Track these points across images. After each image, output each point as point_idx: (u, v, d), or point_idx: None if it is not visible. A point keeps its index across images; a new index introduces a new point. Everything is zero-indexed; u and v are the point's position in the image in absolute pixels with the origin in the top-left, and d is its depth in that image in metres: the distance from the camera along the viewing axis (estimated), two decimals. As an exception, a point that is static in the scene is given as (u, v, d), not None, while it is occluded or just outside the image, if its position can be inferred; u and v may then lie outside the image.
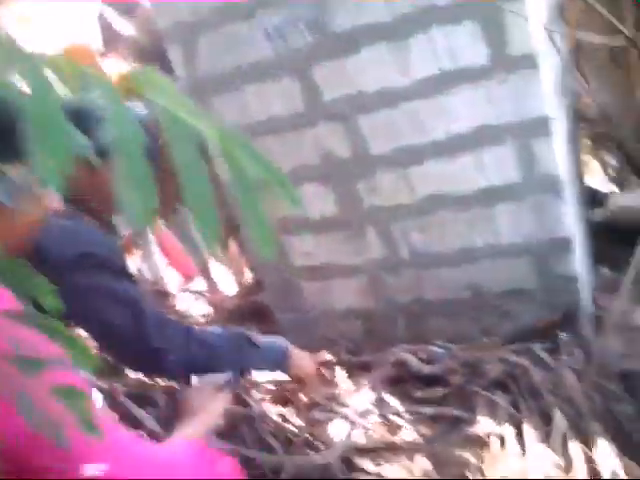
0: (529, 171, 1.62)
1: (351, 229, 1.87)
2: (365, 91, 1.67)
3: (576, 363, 1.53)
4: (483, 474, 1.31)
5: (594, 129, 2.48)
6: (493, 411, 1.48)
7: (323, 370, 1.73)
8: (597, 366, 1.54)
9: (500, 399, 1.49)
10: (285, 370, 1.55)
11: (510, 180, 1.65)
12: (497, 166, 1.64)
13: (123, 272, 1.48)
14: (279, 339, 1.70)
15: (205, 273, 3.13)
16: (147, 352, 1.44)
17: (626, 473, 1.20)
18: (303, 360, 1.62)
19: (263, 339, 1.62)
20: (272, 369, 1.59)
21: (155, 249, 3.44)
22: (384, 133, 1.70)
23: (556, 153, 1.59)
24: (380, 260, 1.88)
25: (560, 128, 1.70)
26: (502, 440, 1.37)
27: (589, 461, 1.24)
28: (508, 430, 1.39)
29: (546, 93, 1.54)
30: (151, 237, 3.38)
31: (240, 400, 1.68)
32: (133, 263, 3.07)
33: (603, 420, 1.38)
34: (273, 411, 1.67)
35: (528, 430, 1.37)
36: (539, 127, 1.55)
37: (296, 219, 1.92)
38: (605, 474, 1.21)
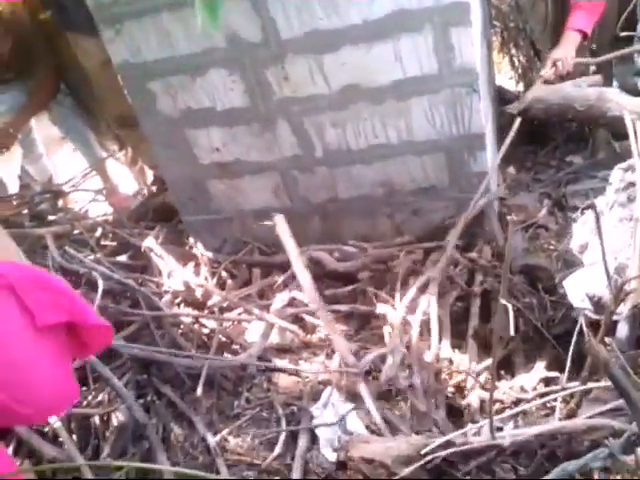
0: (446, 63, 1.56)
1: (262, 122, 1.75)
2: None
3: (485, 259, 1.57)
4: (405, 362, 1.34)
5: (507, 22, 2.45)
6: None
7: None
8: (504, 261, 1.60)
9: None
10: None
11: (427, 71, 1.58)
12: (414, 56, 1.55)
13: None
14: None
15: (101, 171, 2.89)
16: None
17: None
18: None
19: None
20: None
21: (42, 148, 3.11)
22: (295, 13, 1.55)
23: (474, 45, 1.53)
24: (293, 157, 1.79)
25: (477, 19, 1.63)
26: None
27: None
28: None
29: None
30: (37, 136, 3.04)
31: (148, 303, 1.60)
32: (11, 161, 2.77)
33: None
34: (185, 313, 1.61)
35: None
36: (458, 14, 1.47)
37: (201, 110, 1.76)
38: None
